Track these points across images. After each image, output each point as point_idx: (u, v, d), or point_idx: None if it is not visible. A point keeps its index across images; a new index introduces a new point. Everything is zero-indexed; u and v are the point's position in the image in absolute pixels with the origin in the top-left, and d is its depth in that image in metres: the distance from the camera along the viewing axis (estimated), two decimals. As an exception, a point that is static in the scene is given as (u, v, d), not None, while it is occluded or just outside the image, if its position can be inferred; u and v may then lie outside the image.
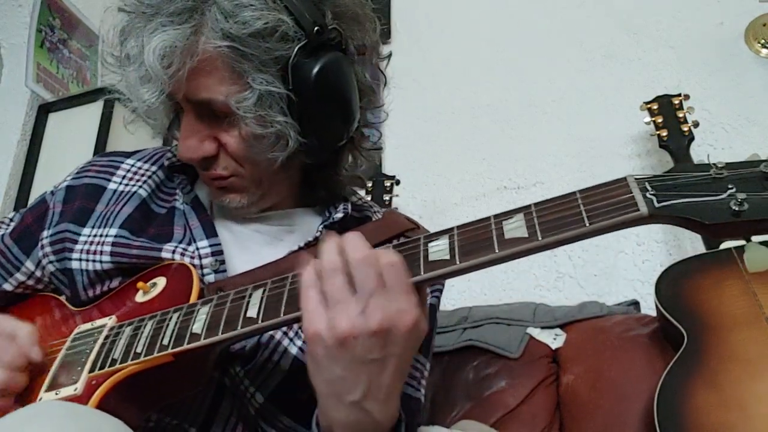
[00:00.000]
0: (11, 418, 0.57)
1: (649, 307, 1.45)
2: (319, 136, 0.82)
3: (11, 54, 2.19)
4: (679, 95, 1.59)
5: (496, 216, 0.60)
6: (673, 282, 1.23)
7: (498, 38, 2.12)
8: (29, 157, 2.08)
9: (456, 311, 1.55)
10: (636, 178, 0.56)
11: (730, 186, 0.54)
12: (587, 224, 0.54)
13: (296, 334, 0.81)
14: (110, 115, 2.04)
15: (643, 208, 0.53)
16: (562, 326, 1.43)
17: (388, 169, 2.03)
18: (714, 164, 0.56)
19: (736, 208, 0.52)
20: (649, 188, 0.55)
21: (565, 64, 1.97)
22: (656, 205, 0.54)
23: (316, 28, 0.77)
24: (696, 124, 1.55)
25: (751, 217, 0.51)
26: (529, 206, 0.59)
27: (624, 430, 1.15)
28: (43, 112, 2.12)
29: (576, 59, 1.96)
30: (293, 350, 0.81)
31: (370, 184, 1.89)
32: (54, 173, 2.07)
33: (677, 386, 1.03)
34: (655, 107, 1.60)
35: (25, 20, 2.11)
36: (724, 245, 1.27)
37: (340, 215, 0.90)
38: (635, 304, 1.51)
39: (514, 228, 0.58)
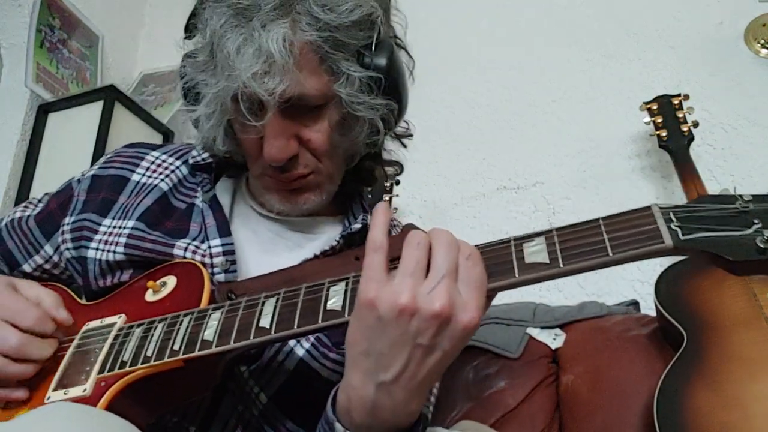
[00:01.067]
0: (24, 419, 0.57)
1: (648, 307, 1.45)
2: (386, 122, 0.84)
3: (11, 54, 2.19)
4: (679, 95, 1.58)
5: (516, 238, 0.60)
6: (672, 282, 1.23)
7: (498, 38, 2.12)
8: (29, 157, 2.08)
9: (456, 311, 1.55)
10: (661, 208, 0.55)
11: (755, 221, 0.53)
12: (611, 254, 0.54)
13: (305, 337, 0.81)
14: (110, 116, 2.04)
15: (668, 241, 0.52)
16: (561, 326, 1.43)
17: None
18: (740, 196, 0.55)
19: (762, 245, 0.51)
20: (674, 219, 0.54)
21: (565, 64, 1.97)
22: (681, 237, 0.53)
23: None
24: (696, 124, 1.55)
25: None
26: (551, 230, 0.59)
27: (624, 430, 1.15)
28: (43, 112, 2.12)
29: (576, 59, 1.96)
30: (300, 352, 0.81)
31: (369, 185, 1.89)
32: (54, 173, 2.07)
33: (677, 386, 1.03)
34: (655, 107, 1.60)
35: (25, 20, 2.11)
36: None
37: (358, 226, 0.91)
38: (635, 304, 1.51)
39: (535, 252, 0.57)
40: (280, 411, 0.80)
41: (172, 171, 0.95)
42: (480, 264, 0.58)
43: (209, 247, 0.85)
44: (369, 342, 0.57)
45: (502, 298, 1.72)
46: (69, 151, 2.05)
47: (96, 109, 2.06)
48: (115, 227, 0.88)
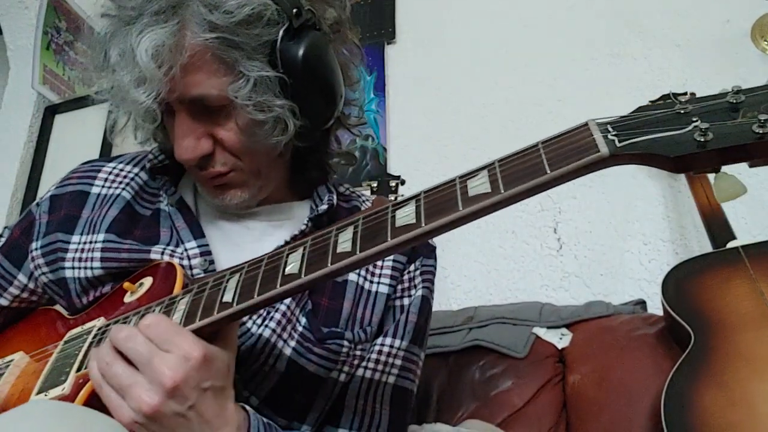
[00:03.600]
0: (2, 418, 0.57)
1: (655, 306, 1.45)
2: (312, 117, 0.82)
3: (17, 56, 2.21)
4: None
5: (461, 175, 0.60)
6: (679, 281, 1.23)
7: (502, 37, 2.12)
8: (36, 158, 2.09)
9: (462, 311, 1.55)
10: (597, 122, 0.55)
11: (694, 119, 0.52)
12: (548, 171, 0.53)
13: (290, 335, 0.82)
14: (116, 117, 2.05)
15: (604, 149, 0.52)
16: (568, 326, 1.43)
17: (393, 169, 2.03)
18: (677, 97, 0.54)
19: (701, 139, 0.50)
20: (611, 129, 0.54)
21: (571, 63, 1.96)
22: (618, 144, 0.52)
23: (294, 10, 0.77)
24: (702, 123, 1.54)
25: (716, 146, 0.50)
26: (492, 162, 0.59)
27: (631, 430, 1.15)
28: (50, 113, 2.14)
29: (581, 58, 1.95)
30: (287, 351, 0.81)
31: (375, 184, 1.89)
32: (60, 174, 2.07)
33: (684, 386, 1.03)
34: (661, 106, 1.59)
35: (32, 22, 2.12)
36: (731, 244, 1.27)
37: (325, 207, 0.90)
38: (642, 303, 1.51)
39: (478, 185, 0.57)
40: (272, 411, 0.80)
41: (132, 179, 0.94)
42: (159, 320, 0.62)
43: (185, 249, 0.85)
44: None
45: (508, 298, 1.72)
46: (76, 152, 2.06)
47: (102, 110, 2.07)
48: (86, 243, 0.87)
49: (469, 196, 0.57)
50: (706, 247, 1.36)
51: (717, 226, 1.34)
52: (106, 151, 1.98)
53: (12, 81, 2.21)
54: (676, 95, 0.54)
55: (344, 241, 0.61)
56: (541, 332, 1.42)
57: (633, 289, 1.62)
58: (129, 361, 0.61)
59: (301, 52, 0.77)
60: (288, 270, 0.63)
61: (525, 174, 0.55)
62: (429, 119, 2.10)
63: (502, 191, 0.55)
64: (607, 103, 1.85)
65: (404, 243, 0.59)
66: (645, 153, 0.52)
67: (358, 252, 0.59)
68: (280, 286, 0.62)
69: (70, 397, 0.68)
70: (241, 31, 0.74)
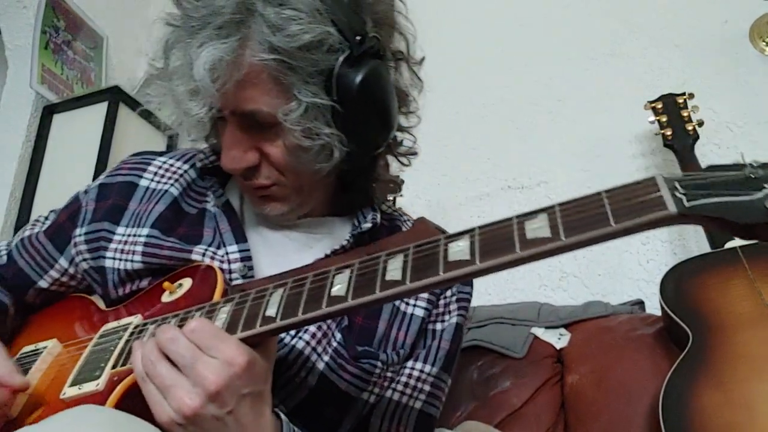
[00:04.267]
0: (51, 424, 0.58)
1: (654, 306, 1.45)
2: (360, 144, 0.82)
3: (16, 55, 2.20)
4: (684, 94, 1.58)
5: (518, 216, 0.59)
6: (678, 281, 1.23)
7: (501, 37, 2.12)
8: (34, 158, 2.08)
9: (460, 311, 1.55)
10: (665, 177, 0.53)
11: (765, 185, 0.50)
12: (612, 224, 0.52)
13: (324, 349, 0.82)
14: (115, 116, 2.05)
15: (672, 208, 0.50)
16: (566, 326, 1.43)
17: (393, 169, 2.03)
18: (749, 164, 0.53)
19: None
20: (679, 187, 0.52)
21: (570, 63, 1.96)
22: (686, 204, 0.50)
23: (357, 38, 0.77)
24: (701, 123, 1.54)
25: None
26: (552, 206, 0.58)
27: (629, 430, 1.15)
28: (48, 113, 2.13)
29: (580, 58, 1.96)
30: (320, 365, 0.81)
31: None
32: (59, 174, 2.08)
33: (682, 386, 1.03)
34: (660, 106, 1.59)
35: (30, 22, 2.12)
36: (729, 244, 1.27)
37: (368, 225, 0.91)
38: (640, 303, 1.51)
39: (537, 228, 0.56)
40: (300, 423, 0.80)
41: (181, 175, 0.95)
42: (205, 325, 0.62)
43: (227, 253, 0.86)
44: None
45: (506, 298, 1.72)
46: (74, 152, 2.06)
47: (101, 110, 2.07)
48: (129, 235, 0.88)
49: (527, 238, 0.56)
50: (705, 247, 1.36)
51: (715, 227, 1.34)
52: (105, 150, 1.97)
53: (10, 80, 2.20)
54: (749, 164, 0.53)
55: (394, 269, 0.60)
56: (540, 332, 1.42)
57: (631, 290, 1.62)
58: (173, 362, 0.62)
59: (358, 80, 0.77)
60: (334, 291, 0.62)
61: (588, 223, 0.54)
62: (427, 119, 2.10)
63: (563, 238, 0.54)
64: (607, 103, 1.85)
65: (456, 278, 0.58)
66: (712, 216, 0.51)
67: (408, 282, 0.58)
68: (326, 306, 0.61)
69: (104, 394, 0.68)
70: (300, 55, 0.74)
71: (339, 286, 0.62)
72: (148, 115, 2.20)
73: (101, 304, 0.90)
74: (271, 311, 0.64)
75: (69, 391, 0.71)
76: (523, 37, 2.08)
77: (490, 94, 2.05)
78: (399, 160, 0.98)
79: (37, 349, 0.83)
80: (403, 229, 0.98)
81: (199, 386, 0.59)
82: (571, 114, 1.89)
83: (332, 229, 0.94)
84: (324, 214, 0.95)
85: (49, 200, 2.01)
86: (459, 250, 0.59)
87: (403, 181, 1.05)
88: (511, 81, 2.03)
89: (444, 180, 2.00)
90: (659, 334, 1.27)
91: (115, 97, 2.07)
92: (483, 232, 0.59)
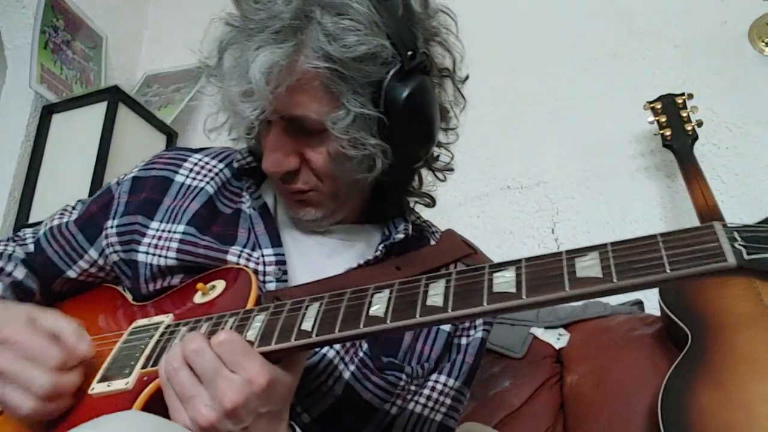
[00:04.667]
0: (95, 427, 0.58)
1: (653, 306, 1.45)
2: (402, 157, 0.83)
3: (15, 55, 2.20)
4: (683, 94, 1.58)
5: (568, 251, 0.58)
6: (677, 282, 1.23)
7: (501, 38, 2.12)
8: (33, 157, 2.08)
9: (459, 311, 1.55)
10: (724, 226, 0.53)
11: None
12: (668, 270, 0.51)
13: (351, 359, 0.82)
14: (114, 116, 2.05)
15: (731, 260, 0.49)
16: (565, 326, 1.43)
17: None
18: None
19: None
20: (738, 238, 0.51)
21: (569, 63, 1.96)
22: (746, 257, 0.49)
23: (409, 53, 0.78)
24: (700, 124, 1.55)
25: None
26: (605, 245, 0.56)
27: (628, 430, 1.15)
28: (47, 113, 2.13)
29: (580, 58, 1.96)
30: (346, 375, 0.81)
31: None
32: (58, 174, 2.08)
33: (681, 386, 1.03)
34: (659, 106, 1.59)
35: (29, 21, 2.12)
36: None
37: (401, 236, 0.91)
38: (639, 303, 1.51)
39: (588, 266, 0.55)
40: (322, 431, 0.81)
41: (216, 174, 0.95)
42: (233, 340, 0.62)
43: (262, 255, 0.86)
44: None
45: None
46: (73, 152, 2.06)
47: (100, 109, 2.07)
48: (164, 231, 0.88)
49: (578, 277, 0.55)
50: (704, 247, 1.36)
51: (714, 227, 1.34)
52: (104, 150, 1.97)
53: (9, 80, 2.20)
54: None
55: (435, 294, 0.60)
56: (539, 332, 1.42)
57: (630, 290, 1.62)
58: (195, 372, 0.62)
59: (405, 94, 0.78)
60: (372, 311, 0.62)
61: (642, 267, 0.53)
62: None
63: (615, 280, 0.53)
64: (606, 103, 1.85)
65: (501, 311, 0.57)
66: None
67: (450, 310, 0.58)
68: (364, 326, 0.61)
69: (132, 394, 0.68)
70: (353, 65, 0.75)
71: (378, 306, 0.62)
72: (147, 115, 2.21)
73: (129, 298, 0.90)
74: (306, 325, 0.64)
75: (98, 387, 0.71)
76: (523, 37, 2.08)
77: (489, 94, 2.05)
78: (436, 175, 0.99)
79: None
80: (432, 241, 0.99)
81: (217, 401, 0.59)
82: (570, 114, 1.89)
83: (363, 236, 0.95)
84: (355, 222, 0.95)
85: (48, 200, 2.01)
86: (504, 281, 0.58)
87: (435, 201, 1.06)
88: (511, 81, 2.03)
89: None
90: (658, 334, 1.27)
91: (115, 96, 2.07)
92: (530, 265, 0.58)
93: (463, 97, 0.95)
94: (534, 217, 1.79)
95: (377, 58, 0.76)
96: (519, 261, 0.59)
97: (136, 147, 2.12)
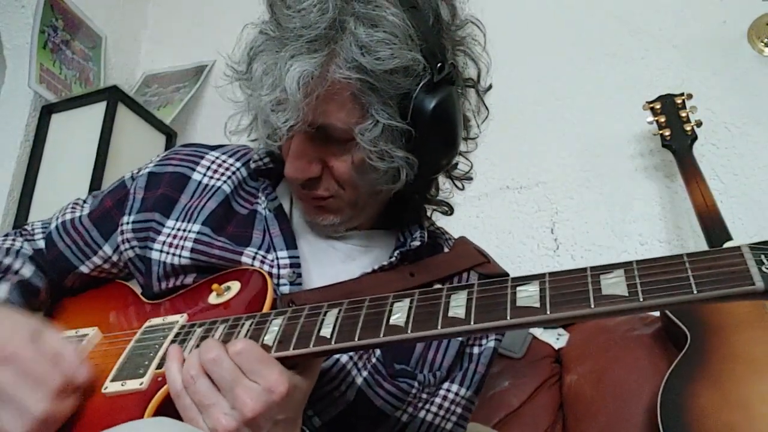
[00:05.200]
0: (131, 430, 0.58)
1: (652, 306, 1.45)
2: (423, 167, 0.83)
3: (14, 55, 2.20)
4: (682, 94, 1.58)
5: (593, 268, 0.57)
6: (676, 282, 1.23)
7: (500, 37, 2.11)
8: (32, 157, 2.08)
9: (459, 311, 1.55)
10: (751, 247, 0.52)
11: None
12: (695, 291, 0.51)
13: (364, 364, 0.82)
14: (113, 116, 2.05)
15: (759, 283, 0.49)
16: (565, 326, 1.43)
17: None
18: None
19: None
20: (766, 261, 0.51)
21: (568, 63, 1.96)
22: None
23: (438, 65, 0.78)
24: (699, 124, 1.55)
25: None
26: (630, 263, 0.56)
27: (627, 430, 1.15)
28: (46, 113, 2.13)
29: (579, 58, 1.95)
30: (359, 380, 0.81)
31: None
32: (57, 174, 2.08)
33: (680, 386, 1.03)
34: (658, 106, 1.59)
35: (28, 21, 2.11)
36: (728, 244, 1.27)
37: (417, 243, 0.91)
38: (638, 303, 1.51)
39: (613, 284, 0.55)
40: None
41: (233, 173, 0.95)
42: (251, 348, 0.62)
43: (277, 258, 0.86)
44: None
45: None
46: (72, 152, 2.05)
47: (99, 109, 2.06)
48: (179, 230, 0.88)
49: (603, 294, 0.54)
50: (703, 247, 1.37)
51: (713, 227, 1.34)
52: (103, 150, 1.97)
53: (8, 80, 2.20)
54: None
55: (457, 306, 0.60)
56: (538, 332, 1.42)
57: (630, 290, 1.62)
58: (213, 380, 0.62)
59: (432, 105, 0.78)
60: (393, 320, 0.62)
61: (669, 287, 0.52)
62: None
63: (641, 299, 0.52)
64: (605, 103, 1.85)
65: (523, 325, 0.57)
66: None
67: (472, 322, 0.58)
68: (383, 335, 0.61)
69: (146, 394, 0.68)
70: (385, 78, 0.75)
71: (398, 315, 0.62)
72: (147, 115, 2.20)
73: (142, 296, 0.90)
74: (325, 331, 0.64)
75: (111, 386, 0.71)
76: (522, 37, 2.08)
77: (489, 95, 2.04)
78: (455, 184, 1.00)
79: (78, 336, 0.82)
80: (445, 248, 0.99)
81: (237, 410, 0.59)
82: (570, 114, 1.89)
83: (378, 242, 0.95)
84: (371, 227, 0.95)
85: (47, 200, 2.01)
86: (528, 296, 0.58)
87: (452, 209, 1.06)
88: (510, 81, 2.03)
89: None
90: (657, 334, 1.28)
91: (114, 96, 2.07)
92: (554, 280, 0.58)
93: (486, 108, 0.95)
94: (533, 217, 1.79)
95: (409, 70, 0.76)
96: (543, 275, 0.59)
97: (136, 147, 2.12)
